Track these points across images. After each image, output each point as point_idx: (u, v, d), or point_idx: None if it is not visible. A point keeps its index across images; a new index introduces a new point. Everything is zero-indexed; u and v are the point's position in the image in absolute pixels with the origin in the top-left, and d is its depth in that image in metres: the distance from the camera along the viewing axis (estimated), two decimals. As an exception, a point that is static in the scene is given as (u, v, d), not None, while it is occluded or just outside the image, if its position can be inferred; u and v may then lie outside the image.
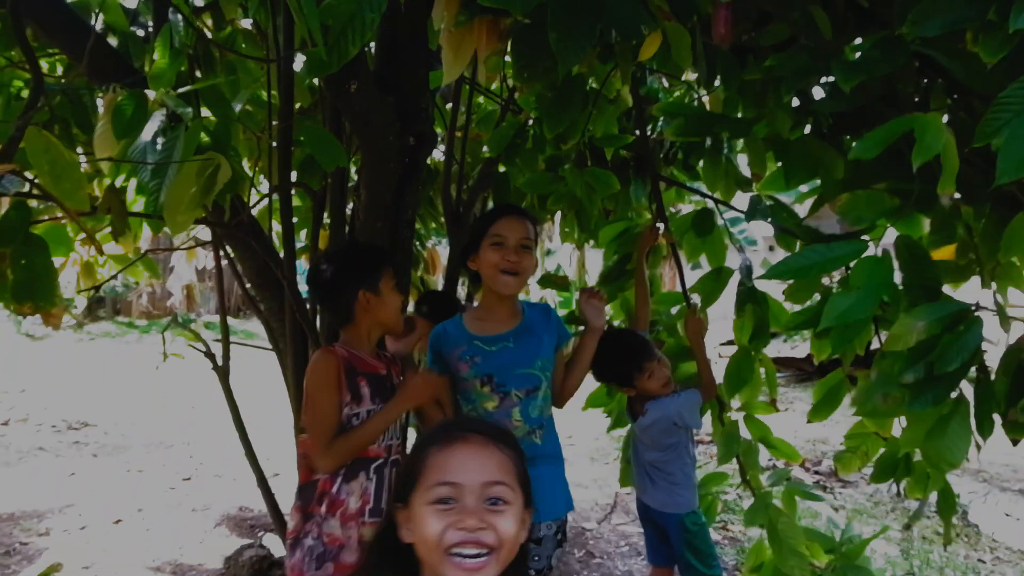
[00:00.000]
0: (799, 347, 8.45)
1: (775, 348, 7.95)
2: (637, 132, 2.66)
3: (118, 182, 2.15)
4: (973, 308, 1.35)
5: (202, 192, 1.71)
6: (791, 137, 1.98)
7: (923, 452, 1.45)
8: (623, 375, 2.37)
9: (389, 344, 2.11)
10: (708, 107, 2.71)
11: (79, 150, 2.28)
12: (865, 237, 1.49)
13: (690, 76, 2.85)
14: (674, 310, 2.68)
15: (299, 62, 2.70)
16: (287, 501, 3.04)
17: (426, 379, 1.89)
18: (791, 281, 2.02)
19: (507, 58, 3.04)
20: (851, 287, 1.30)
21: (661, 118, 2.80)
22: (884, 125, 1.28)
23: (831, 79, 1.79)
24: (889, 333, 1.34)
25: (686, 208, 3.17)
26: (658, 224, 2.50)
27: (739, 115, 2.21)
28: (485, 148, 2.99)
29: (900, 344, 1.31)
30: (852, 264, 1.38)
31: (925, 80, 1.84)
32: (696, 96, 2.85)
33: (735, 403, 2.39)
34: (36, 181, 1.45)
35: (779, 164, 2.19)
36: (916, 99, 1.78)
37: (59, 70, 2.70)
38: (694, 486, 2.45)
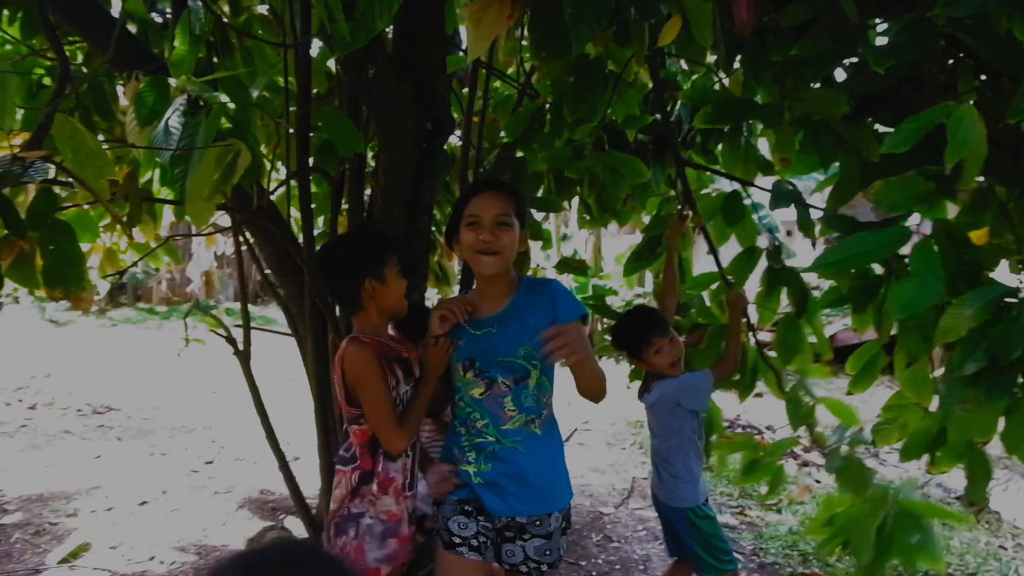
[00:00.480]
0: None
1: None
2: (657, 116, 2.64)
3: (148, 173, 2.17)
4: (1019, 289, 1.34)
5: (222, 180, 1.73)
6: (839, 115, 1.92)
7: (1007, 442, 1.45)
8: (632, 346, 2.39)
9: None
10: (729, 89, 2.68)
11: (100, 137, 2.30)
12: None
13: (709, 59, 2.82)
14: (706, 292, 2.68)
15: (315, 48, 2.70)
16: (308, 484, 3.09)
17: (432, 345, 1.84)
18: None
19: (524, 42, 3.04)
20: (912, 274, 1.28)
21: (679, 102, 2.78)
22: (916, 116, 1.25)
23: (854, 60, 1.77)
24: (939, 326, 1.33)
25: (704, 192, 3.15)
26: (686, 211, 2.50)
27: (758, 98, 2.19)
28: (502, 133, 2.98)
29: (952, 335, 1.31)
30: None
31: (951, 60, 1.81)
32: (717, 79, 2.82)
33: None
34: (64, 167, 1.47)
35: (801, 148, 2.17)
36: (942, 78, 1.74)
37: (79, 58, 2.73)
38: (697, 480, 2.39)
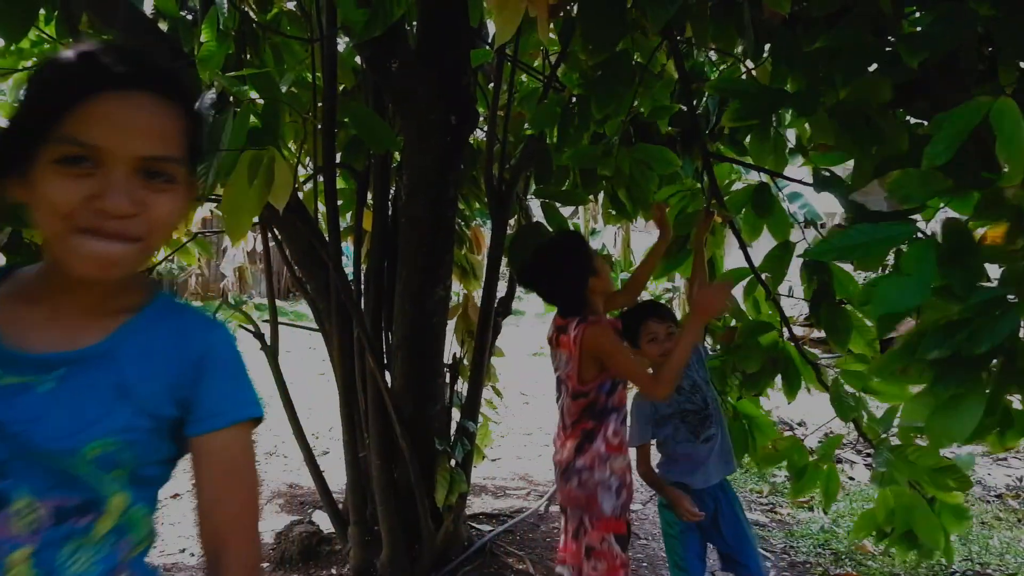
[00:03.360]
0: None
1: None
2: (683, 108, 2.60)
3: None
4: (1012, 296, 1.32)
5: (260, 193, 1.71)
6: (882, 102, 1.86)
7: (927, 426, 1.43)
8: (630, 332, 2.34)
9: None
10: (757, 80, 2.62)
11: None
12: (916, 217, 1.45)
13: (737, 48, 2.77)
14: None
15: (342, 43, 2.71)
16: (335, 479, 3.11)
17: (715, 290, 2.03)
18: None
19: (552, 35, 3.02)
20: (901, 273, 1.25)
21: (707, 93, 2.73)
22: (951, 117, 1.21)
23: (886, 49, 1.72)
24: (923, 314, 1.33)
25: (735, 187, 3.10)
26: (712, 206, 2.45)
27: (788, 87, 2.14)
28: (527, 126, 2.97)
29: (927, 321, 1.31)
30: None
31: (990, 48, 1.74)
32: (744, 69, 2.76)
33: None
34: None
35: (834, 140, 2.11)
36: (981, 67, 1.68)
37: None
38: (675, 459, 2.28)
